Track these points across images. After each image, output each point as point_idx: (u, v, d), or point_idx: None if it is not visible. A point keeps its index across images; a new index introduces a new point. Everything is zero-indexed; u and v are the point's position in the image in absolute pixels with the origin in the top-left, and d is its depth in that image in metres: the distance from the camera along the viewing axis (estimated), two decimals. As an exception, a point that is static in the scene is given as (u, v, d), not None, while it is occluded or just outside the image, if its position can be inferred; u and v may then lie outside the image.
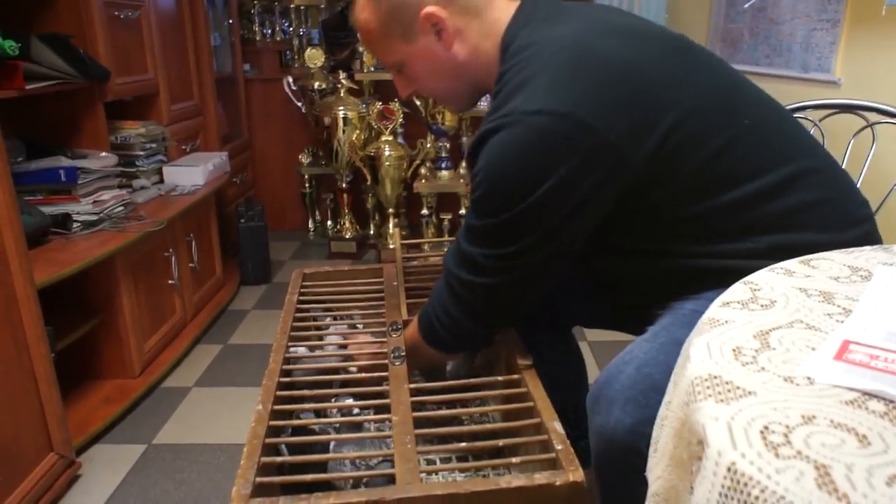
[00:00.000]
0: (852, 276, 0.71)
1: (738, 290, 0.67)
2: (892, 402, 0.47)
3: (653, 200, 0.92)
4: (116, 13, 2.09)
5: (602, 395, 0.87)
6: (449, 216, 3.10)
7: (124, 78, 2.13)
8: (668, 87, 0.90)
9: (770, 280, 0.70)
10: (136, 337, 1.94)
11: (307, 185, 3.39)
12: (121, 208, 2.01)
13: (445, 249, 2.63)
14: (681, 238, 0.94)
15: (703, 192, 0.91)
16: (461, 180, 3.00)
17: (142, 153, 2.24)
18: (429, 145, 3.00)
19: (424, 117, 2.95)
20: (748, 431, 0.44)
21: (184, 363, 2.15)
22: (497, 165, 0.90)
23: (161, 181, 2.35)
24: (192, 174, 2.38)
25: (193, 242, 2.35)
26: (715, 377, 0.51)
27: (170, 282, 2.17)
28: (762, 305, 0.64)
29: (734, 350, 0.55)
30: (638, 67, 0.90)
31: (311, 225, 3.45)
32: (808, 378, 0.50)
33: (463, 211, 3.06)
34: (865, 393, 0.48)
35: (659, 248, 0.96)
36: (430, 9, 0.98)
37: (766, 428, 0.44)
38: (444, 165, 3.05)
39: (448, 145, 3.05)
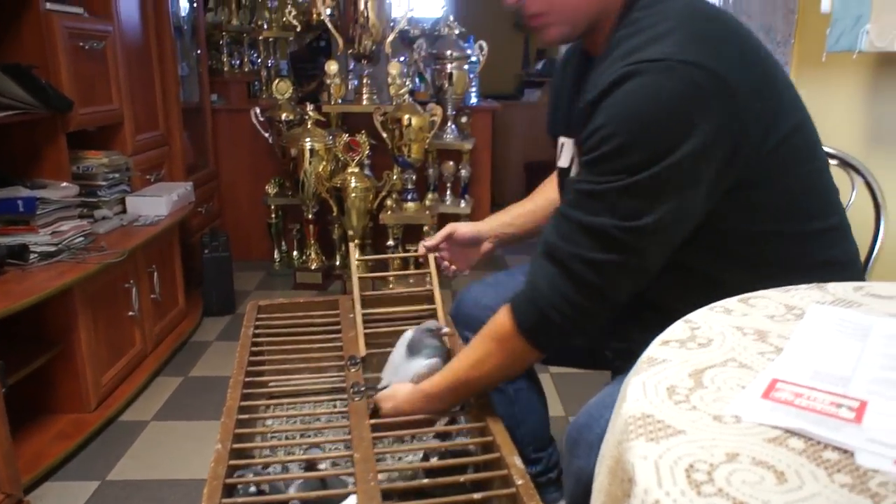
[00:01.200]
0: (787, 314, 0.74)
1: (677, 329, 0.70)
2: (811, 439, 0.49)
3: (745, 204, 0.90)
4: (81, 44, 2.09)
5: (581, 438, 0.87)
6: (414, 247, 3.11)
7: (88, 108, 2.12)
8: (787, 86, 0.92)
9: (709, 319, 0.72)
10: (93, 370, 1.91)
11: (273, 215, 3.38)
12: (81, 239, 1.99)
13: (412, 281, 2.62)
14: (738, 262, 0.93)
15: (789, 212, 0.92)
16: (426, 212, 3.03)
17: (104, 183, 2.22)
18: (395, 177, 3.02)
19: (391, 149, 2.98)
20: (674, 470, 0.46)
21: (142, 396, 2.11)
22: (639, 112, 0.81)
23: (124, 211, 2.34)
24: (155, 204, 2.37)
25: (156, 273, 2.33)
26: (648, 416, 0.53)
27: (130, 313, 2.14)
28: (699, 344, 0.66)
29: (668, 389, 0.57)
30: (769, 57, 0.92)
31: (276, 255, 3.44)
32: (736, 416, 0.52)
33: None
34: (787, 431, 0.50)
35: (715, 269, 0.94)
36: None
37: (692, 466, 0.46)
38: (410, 197, 3.08)
39: (414, 177, 3.08)
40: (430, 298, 1.37)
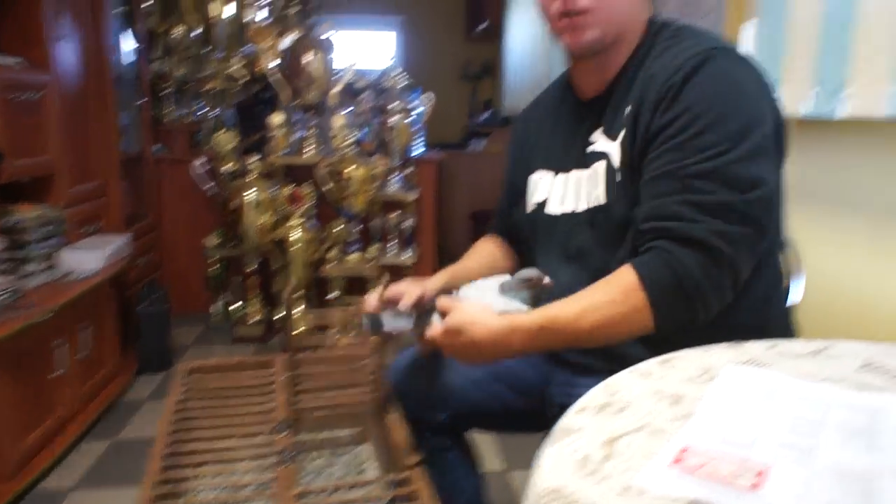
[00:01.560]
0: (703, 375, 0.75)
1: (596, 394, 0.70)
2: (714, 511, 0.50)
3: None
4: (15, 95, 2.05)
5: None
6: (358, 299, 3.09)
7: (21, 159, 2.07)
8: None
9: (629, 382, 0.73)
10: (12, 434, 1.81)
11: (215, 267, 3.32)
12: (6, 295, 1.91)
13: (355, 333, 2.58)
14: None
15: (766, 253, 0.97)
16: (370, 263, 3.02)
17: (35, 237, 2.15)
18: (339, 228, 3.02)
19: (335, 201, 2.98)
20: (578, 548, 0.45)
21: (65, 462, 2.01)
22: (727, 87, 0.90)
23: (56, 266, 2.26)
24: (89, 258, 2.30)
25: (88, 329, 2.24)
26: (557, 490, 0.53)
27: (57, 372, 2.06)
28: (617, 409, 0.67)
29: (581, 460, 0.57)
30: None
31: (217, 308, 3.36)
32: (643, 487, 0.53)
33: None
34: (693, 501, 0.51)
35: None
36: None
37: (596, 544, 0.46)
38: (353, 248, 3.07)
39: (358, 228, 3.08)
40: (364, 357, 1.35)
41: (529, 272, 1.02)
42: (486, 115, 5.68)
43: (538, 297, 1.02)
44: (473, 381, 1.17)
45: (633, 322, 0.89)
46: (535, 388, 1.17)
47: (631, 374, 0.76)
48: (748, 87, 0.91)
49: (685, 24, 1.04)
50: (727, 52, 0.93)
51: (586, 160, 1.06)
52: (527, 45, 4.00)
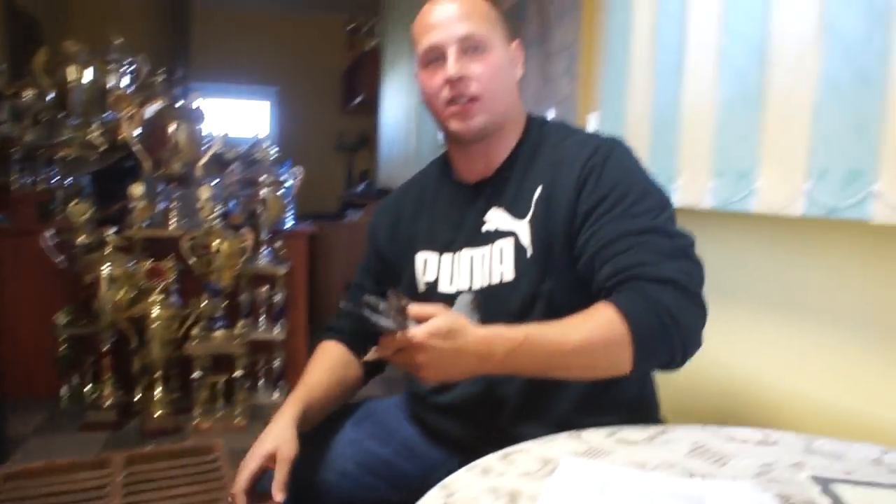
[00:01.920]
0: (541, 469, 0.76)
1: (432, 497, 0.69)
2: None
3: None
4: None
5: None
6: (223, 378, 2.94)
7: None
8: None
9: (466, 482, 0.73)
10: None
11: (64, 347, 3.06)
12: None
13: (218, 416, 2.43)
14: None
15: None
16: (236, 341, 2.89)
17: None
18: (203, 304, 2.88)
19: (200, 275, 2.86)
20: None
21: None
22: (640, 165, 1.04)
23: None
24: None
25: None
26: None
27: None
28: (453, 513, 0.66)
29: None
30: None
31: (65, 392, 3.08)
32: None
33: (238, 373, 2.92)
34: None
35: None
36: (518, 41, 1.14)
37: None
38: (219, 325, 2.93)
39: (224, 304, 2.95)
40: (210, 449, 1.27)
41: (469, 296, 1.01)
42: (362, 186, 5.72)
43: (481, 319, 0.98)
44: (343, 473, 1.11)
45: (613, 353, 0.89)
46: (414, 480, 1.12)
47: (470, 471, 0.75)
48: (647, 171, 1.05)
49: (563, 122, 1.18)
50: (622, 142, 1.07)
51: (482, 240, 1.09)
52: (399, 120, 4.10)
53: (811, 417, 1.17)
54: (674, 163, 1.38)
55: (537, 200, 1.04)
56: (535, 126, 1.14)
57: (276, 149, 3.71)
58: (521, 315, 1.00)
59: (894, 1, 0.90)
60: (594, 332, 0.88)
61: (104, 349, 2.93)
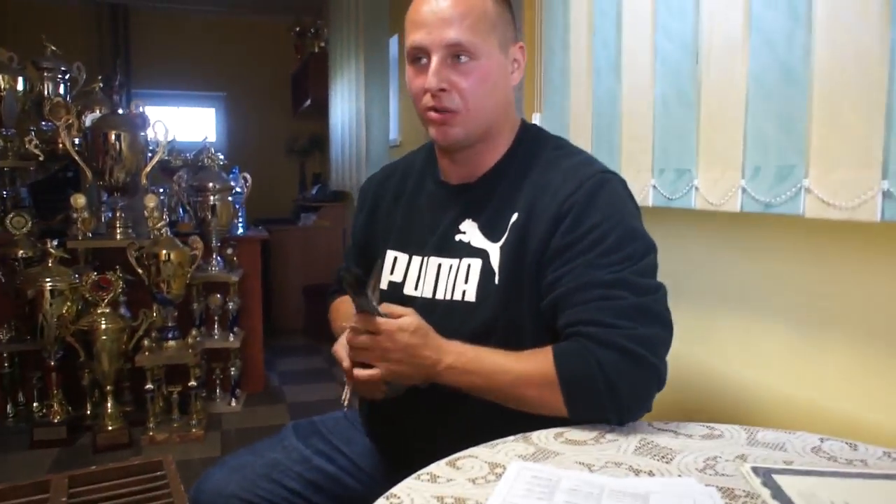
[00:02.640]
0: (490, 474, 0.77)
1: (379, 508, 0.69)
2: None
3: None
4: None
5: None
6: (178, 388, 2.88)
7: None
8: None
9: (413, 489, 0.73)
10: None
11: (6, 364, 2.96)
12: None
13: (176, 426, 2.39)
14: None
15: None
16: (190, 350, 2.84)
17: None
18: (154, 315, 2.82)
19: (149, 286, 2.79)
20: None
21: None
22: (624, 211, 0.97)
23: None
24: None
25: None
26: None
27: None
28: (400, 524, 0.66)
29: None
30: None
31: (10, 410, 2.99)
32: None
33: (193, 383, 2.86)
34: None
35: None
36: (522, 45, 1.08)
37: None
38: (171, 335, 2.87)
39: (175, 313, 2.89)
40: (158, 466, 1.25)
41: None
42: (315, 189, 5.66)
43: None
44: (292, 491, 1.10)
45: (545, 400, 0.91)
46: (360, 495, 1.12)
47: (417, 479, 0.75)
48: (635, 212, 1.00)
49: (558, 136, 1.11)
50: (614, 176, 1.01)
51: (452, 250, 1.06)
52: (348, 122, 4.07)
53: (757, 408, 1.21)
54: (616, 161, 1.41)
55: (512, 226, 1.00)
56: (528, 137, 1.09)
57: (225, 155, 3.65)
58: (475, 338, 0.98)
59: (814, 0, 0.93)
60: (531, 375, 0.91)
61: (51, 364, 2.85)
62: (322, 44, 5.37)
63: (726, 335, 1.28)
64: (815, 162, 0.94)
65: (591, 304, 0.91)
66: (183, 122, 6.16)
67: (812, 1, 0.93)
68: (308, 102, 5.41)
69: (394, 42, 3.71)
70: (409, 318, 0.94)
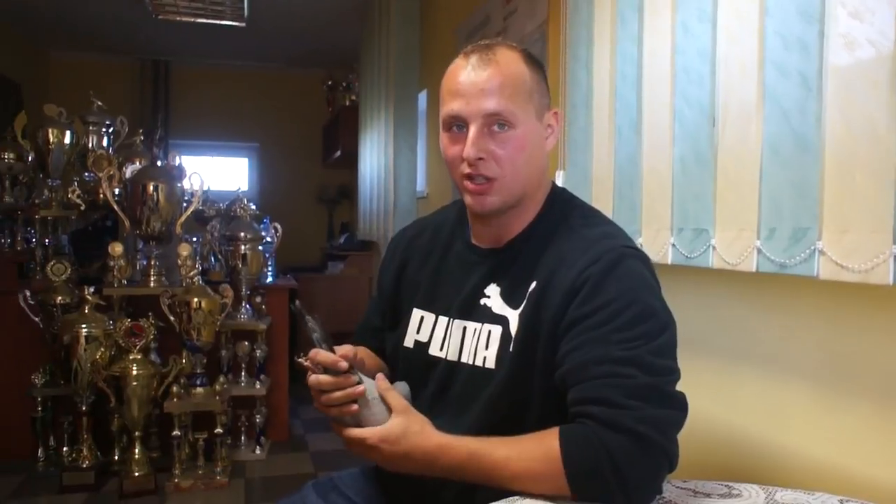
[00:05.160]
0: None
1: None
2: None
3: None
4: None
5: None
6: (204, 435, 2.91)
7: None
8: None
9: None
10: None
11: (40, 408, 3.02)
12: None
13: (201, 473, 2.40)
14: None
15: None
16: (217, 397, 2.88)
17: None
18: (183, 361, 2.87)
19: (179, 332, 2.86)
20: None
21: None
22: (647, 283, 0.97)
23: None
24: None
25: None
26: None
27: None
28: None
29: None
30: None
31: (41, 454, 3.04)
32: None
33: (219, 430, 2.90)
34: None
35: None
36: (557, 111, 1.11)
37: None
38: (199, 382, 2.92)
39: (204, 360, 2.95)
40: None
41: (405, 388, 1.07)
42: (343, 238, 5.76)
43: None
44: None
45: (550, 487, 0.88)
46: None
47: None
48: (655, 288, 0.99)
49: (587, 204, 1.13)
50: (636, 252, 1.01)
51: (477, 314, 1.07)
52: (377, 174, 4.17)
53: (779, 466, 1.20)
54: (637, 218, 1.44)
55: (530, 294, 1.01)
56: (557, 203, 1.10)
57: (257, 204, 3.76)
58: (491, 404, 1.01)
59: (825, 71, 0.97)
60: (533, 464, 0.89)
61: (82, 409, 2.90)
62: (353, 97, 5.53)
63: (746, 392, 1.29)
64: (828, 225, 0.96)
65: (599, 380, 0.88)
66: (217, 172, 6.34)
67: (823, 72, 0.97)
68: (338, 153, 5.55)
69: (422, 97, 3.82)
70: (391, 427, 0.95)
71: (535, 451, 0.89)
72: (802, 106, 1.01)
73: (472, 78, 1.00)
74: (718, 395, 1.33)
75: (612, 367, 0.88)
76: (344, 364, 0.95)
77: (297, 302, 0.99)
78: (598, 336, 0.91)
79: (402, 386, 1.08)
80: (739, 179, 1.14)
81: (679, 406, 0.90)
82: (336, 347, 0.99)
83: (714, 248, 1.20)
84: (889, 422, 1.00)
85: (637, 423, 0.85)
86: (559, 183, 1.73)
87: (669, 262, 1.33)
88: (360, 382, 0.97)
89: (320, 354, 0.96)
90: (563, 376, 0.94)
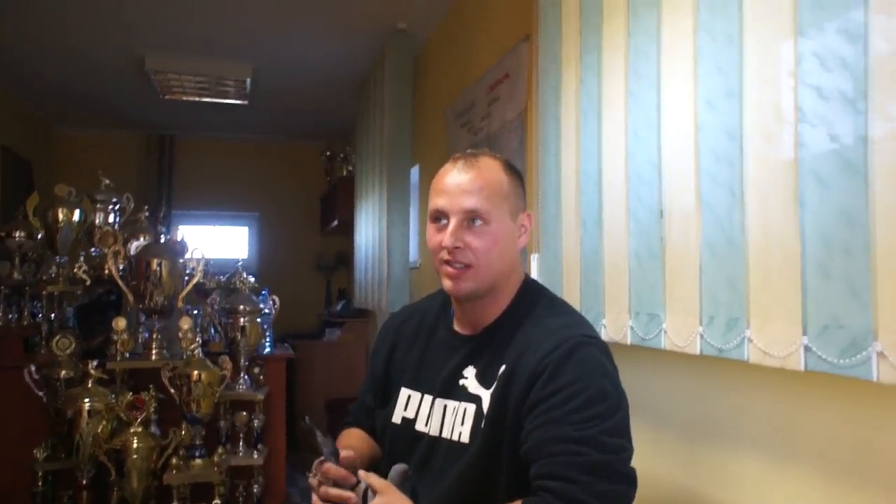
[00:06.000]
0: None
1: None
2: None
3: None
4: None
5: None
6: (203, 508, 2.97)
7: None
8: None
9: None
10: None
11: (40, 482, 3.08)
12: None
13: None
14: None
15: None
16: (215, 468, 2.95)
17: None
18: (183, 433, 2.95)
19: (179, 405, 2.94)
20: None
21: None
22: (601, 369, 1.08)
23: None
24: None
25: None
26: None
27: None
28: None
29: None
30: None
31: (42, 528, 3.08)
32: None
33: (217, 501, 2.95)
34: None
35: None
36: (530, 214, 1.25)
37: None
38: (198, 453, 2.99)
39: (203, 432, 3.02)
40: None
41: (402, 467, 1.18)
42: (340, 304, 5.88)
43: (410, 488, 1.17)
44: None
45: None
46: None
47: None
48: (610, 372, 1.11)
49: (555, 295, 1.28)
50: (593, 340, 1.13)
51: (456, 393, 1.20)
52: (371, 243, 4.33)
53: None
54: (601, 301, 1.57)
55: (500, 376, 1.13)
56: (527, 294, 1.24)
57: (256, 271, 3.88)
58: (464, 475, 1.13)
59: (746, 185, 1.12)
60: None
61: (83, 483, 2.96)
62: (350, 168, 5.73)
63: (702, 460, 1.40)
64: (754, 316, 1.10)
65: (556, 458, 1.00)
66: (218, 241, 6.51)
67: (744, 185, 1.13)
68: (335, 223, 5.72)
69: (415, 172, 4.01)
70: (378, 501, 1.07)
71: None
72: (730, 212, 1.16)
73: (456, 179, 1.17)
74: (677, 463, 1.44)
75: (569, 445, 1.00)
76: (353, 479, 1.11)
77: (307, 418, 1.15)
78: (556, 417, 1.03)
79: (397, 469, 1.18)
80: (684, 272, 1.28)
81: (627, 482, 1.02)
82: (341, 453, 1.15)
83: (665, 331, 1.33)
84: (830, 485, 1.11)
85: (589, 496, 0.97)
86: (533, 265, 1.88)
87: (629, 342, 1.46)
88: (359, 482, 1.12)
89: (332, 470, 1.11)
90: (526, 452, 1.06)
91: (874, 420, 1.03)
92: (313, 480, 1.15)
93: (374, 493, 1.10)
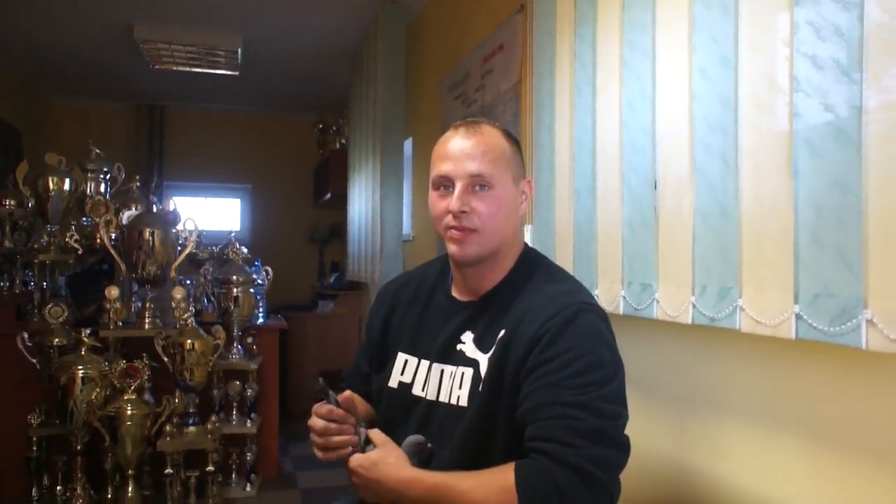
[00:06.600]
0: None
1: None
2: None
3: None
4: None
5: None
6: (196, 473, 3.01)
7: None
8: None
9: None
10: None
11: (35, 448, 3.11)
12: None
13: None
14: None
15: None
16: (209, 435, 2.98)
17: None
18: (176, 401, 2.97)
19: (173, 373, 2.96)
20: None
21: None
22: (600, 336, 1.10)
23: None
24: None
25: None
26: None
27: None
28: None
29: None
30: None
31: (35, 493, 3.11)
32: None
33: (211, 468, 2.99)
34: None
35: None
36: (530, 180, 1.28)
37: None
38: (191, 421, 3.02)
39: (196, 400, 3.05)
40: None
41: (418, 438, 1.20)
42: (333, 277, 5.88)
43: (425, 459, 1.18)
44: None
45: None
46: None
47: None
48: (608, 340, 1.12)
49: (553, 263, 1.30)
50: (592, 307, 1.14)
51: (454, 358, 1.21)
52: (364, 216, 4.32)
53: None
54: (594, 272, 1.59)
55: (499, 341, 1.15)
56: (527, 261, 1.25)
57: (249, 243, 3.88)
58: (465, 438, 1.15)
59: (740, 154, 1.13)
60: (491, 495, 1.01)
61: (77, 449, 2.99)
62: (343, 140, 5.70)
63: (690, 429, 1.42)
64: (746, 285, 1.11)
65: (552, 420, 1.01)
66: (210, 212, 6.49)
67: (738, 153, 1.13)
68: (328, 195, 5.71)
69: (408, 144, 3.99)
70: (366, 456, 1.13)
71: (493, 484, 1.02)
72: (724, 181, 1.17)
73: (460, 145, 1.18)
74: (666, 431, 1.46)
75: (564, 409, 1.01)
76: (353, 419, 1.18)
77: (321, 379, 1.18)
78: (553, 381, 1.05)
79: (413, 439, 1.20)
80: (677, 242, 1.29)
81: (622, 448, 1.04)
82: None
83: (658, 301, 1.35)
84: (816, 453, 1.14)
85: (583, 460, 0.98)
86: (527, 236, 1.89)
87: (621, 312, 1.47)
88: (360, 427, 1.18)
89: (335, 411, 1.17)
90: (522, 415, 1.08)
91: (861, 388, 1.05)
92: (317, 421, 1.18)
93: (374, 445, 1.14)
